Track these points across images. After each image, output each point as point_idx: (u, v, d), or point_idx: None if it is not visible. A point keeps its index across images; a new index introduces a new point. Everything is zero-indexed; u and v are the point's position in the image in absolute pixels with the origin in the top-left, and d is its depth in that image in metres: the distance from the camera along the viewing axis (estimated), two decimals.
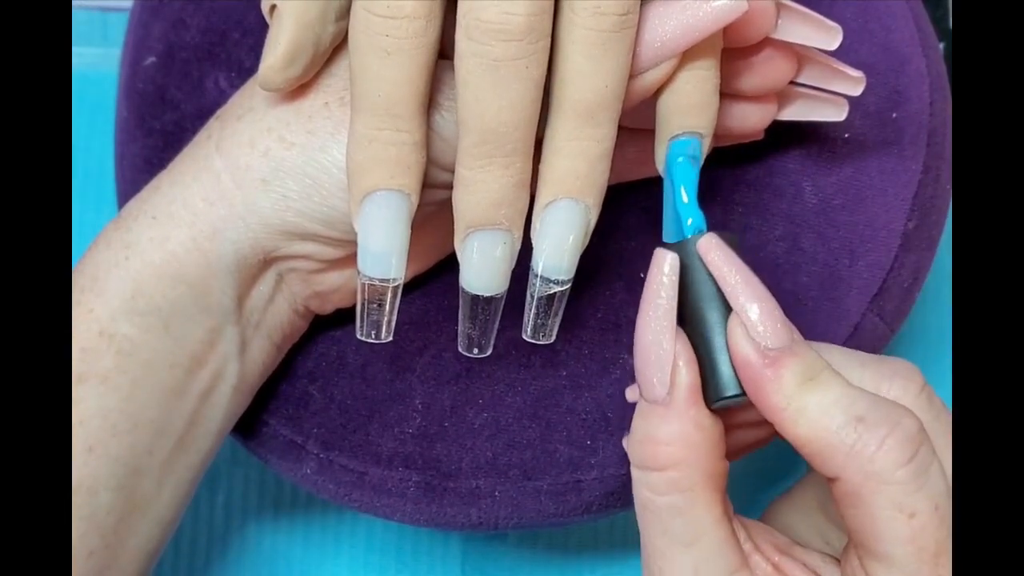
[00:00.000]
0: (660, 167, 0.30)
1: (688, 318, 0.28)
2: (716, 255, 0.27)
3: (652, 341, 0.27)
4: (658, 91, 0.29)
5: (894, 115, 0.37)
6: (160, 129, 0.38)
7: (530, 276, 0.28)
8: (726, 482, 0.28)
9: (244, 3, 0.39)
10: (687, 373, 0.27)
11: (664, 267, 0.27)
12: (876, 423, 0.25)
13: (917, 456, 0.25)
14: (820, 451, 0.26)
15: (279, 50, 0.29)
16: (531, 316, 0.29)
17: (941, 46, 0.48)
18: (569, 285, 0.29)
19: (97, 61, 0.50)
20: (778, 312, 0.27)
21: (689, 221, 0.28)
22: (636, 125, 0.32)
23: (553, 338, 0.30)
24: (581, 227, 0.28)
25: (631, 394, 0.33)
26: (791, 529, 0.31)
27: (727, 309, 0.27)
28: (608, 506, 0.36)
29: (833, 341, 0.36)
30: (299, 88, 0.30)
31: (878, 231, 0.36)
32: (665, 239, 0.29)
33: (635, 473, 0.28)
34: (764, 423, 0.30)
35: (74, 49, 0.50)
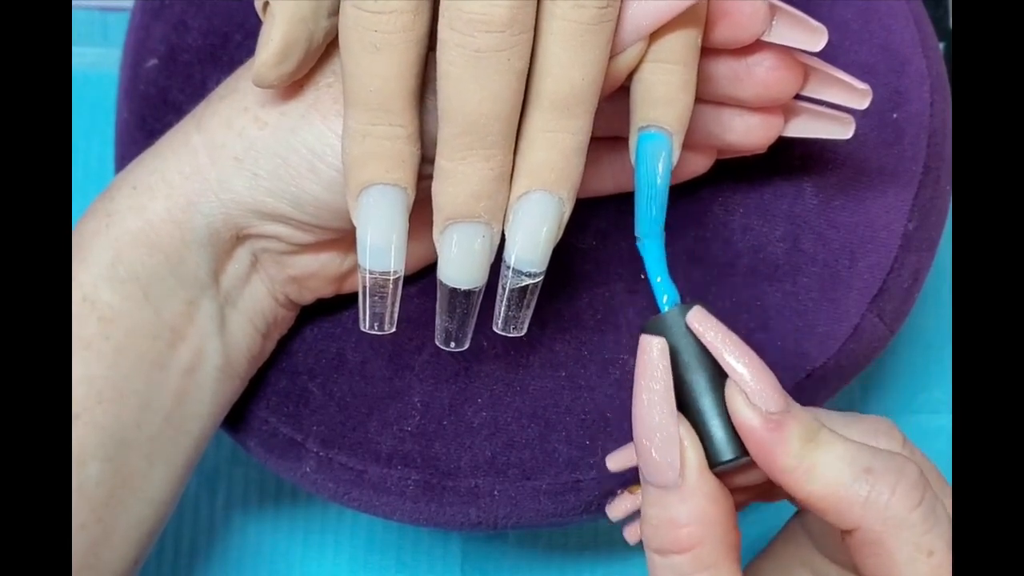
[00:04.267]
0: (631, 158, 0.29)
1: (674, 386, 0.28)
2: (709, 327, 0.28)
3: (656, 426, 0.27)
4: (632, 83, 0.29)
5: (895, 116, 0.37)
6: (161, 131, 0.38)
7: (502, 268, 0.28)
8: (740, 551, 0.28)
9: (246, 5, 0.39)
10: (694, 452, 0.27)
11: (654, 352, 0.27)
12: (884, 472, 0.26)
13: (925, 498, 0.26)
14: (835, 505, 0.27)
15: (272, 46, 0.29)
16: (503, 308, 0.29)
17: (941, 46, 0.48)
18: (541, 278, 0.28)
19: (97, 61, 0.50)
20: (773, 378, 0.27)
21: (665, 298, 0.29)
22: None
23: (524, 331, 0.29)
24: (555, 220, 0.28)
25: (614, 512, 0.33)
26: None
27: (712, 375, 0.28)
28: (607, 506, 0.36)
29: (833, 342, 0.36)
30: None
31: (878, 232, 0.36)
32: (637, 233, 0.29)
33: (656, 559, 0.28)
34: (748, 487, 0.31)
35: (74, 49, 0.50)
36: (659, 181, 0.29)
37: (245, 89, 0.31)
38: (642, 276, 0.29)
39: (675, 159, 0.29)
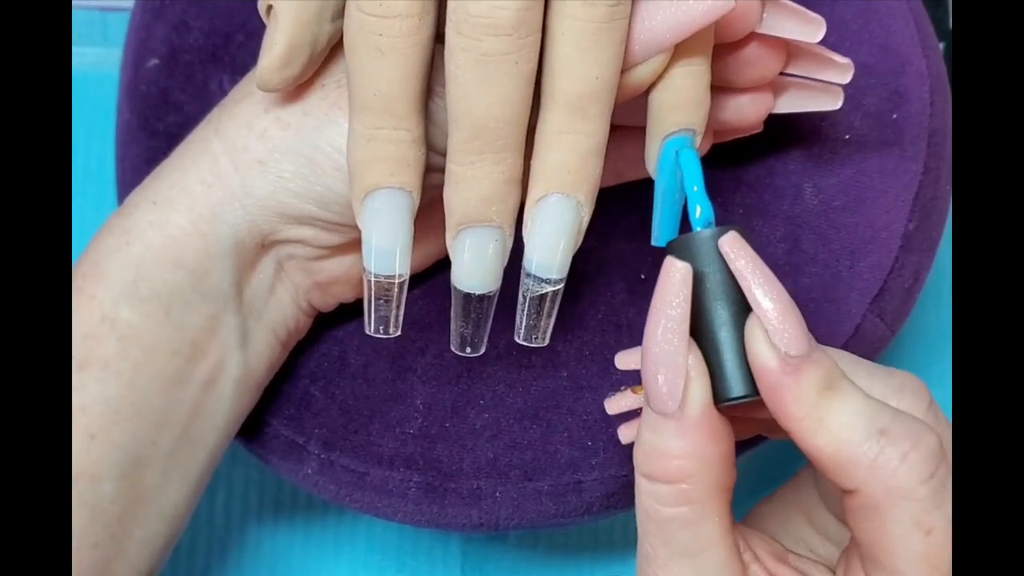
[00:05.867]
0: (651, 166, 0.29)
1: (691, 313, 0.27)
2: (741, 255, 0.26)
3: (663, 354, 0.26)
4: (650, 88, 0.29)
5: (895, 116, 0.37)
6: (163, 131, 0.38)
7: (522, 275, 0.28)
8: (733, 492, 0.27)
9: (247, 5, 0.39)
10: (701, 387, 0.26)
11: (676, 276, 0.26)
12: (899, 437, 0.25)
13: (938, 473, 0.25)
14: (839, 463, 0.25)
15: (276, 50, 0.29)
16: (523, 317, 0.29)
17: (941, 46, 0.48)
18: (562, 285, 0.28)
19: (97, 61, 0.50)
20: (800, 319, 0.26)
21: (698, 211, 0.27)
22: (635, 123, 0.32)
23: (547, 341, 0.29)
24: (573, 224, 0.27)
25: (612, 407, 0.32)
26: (773, 537, 0.31)
27: (736, 307, 0.26)
28: (609, 507, 0.36)
29: (834, 342, 0.36)
30: None
31: (879, 232, 0.36)
32: (654, 243, 0.29)
33: (641, 482, 0.27)
34: (755, 419, 0.30)
35: (74, 49, 0.50)
36: (687, 185, 0.28)
37: (262, 92, 0.31)
38: (650, 262, 0.28)
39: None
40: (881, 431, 0.25)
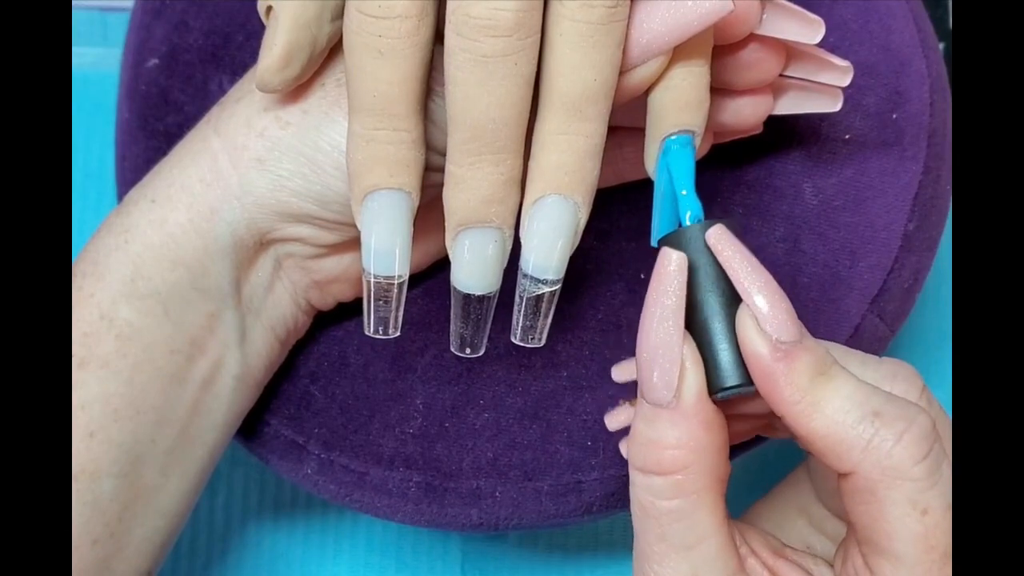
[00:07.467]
0: (651, 168, 0.29)
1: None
2: (727, 246, 0.27)
3: (659, 343, 0.26)
4: (649, 89, 0.29)
5: (894, 116, 0.37)
6: (163, 131, 0.38)
7: (518, 276, 0.28)
8: (727, 484, 0.28)
9: (247, 5, 0.39)
10: (696, 376, 0.27)
11: (671, 266, 0.26)
12: (893, 418, 0.26)
13: (932, 453, 0.25)
14: (835, 446, 0.26)
15: (276, 51, 0.29)
16: (519, 318, 0.29)
17: (941, 46, 0.48)
18: (559, 286, 0.28)
19: (97, 61, 0.50)
20: (788, 306, 0.26)
21: (688, 214, 0.28)
22: (634, 124, 0.32)
23: (543, 342, 0.29)
24: (570, 225, 0.28)
25: (612, 422, 0.32)
26: (771, 535, 0.31)
27: (727, 298, 0.27)
28: (608, 507, 0.36)
29: (834, 342, 0.36)
30: None
31: (878, 232, 0.36)
32: (654, 243, 0.29)
33: (636, 477, 0.27)
34: (752, 416, 0.30)
35: (74, 49, 0.50)
36: (676, 187, 0.28)
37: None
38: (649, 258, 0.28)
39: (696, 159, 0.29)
40: (875, 413, 0.26)
